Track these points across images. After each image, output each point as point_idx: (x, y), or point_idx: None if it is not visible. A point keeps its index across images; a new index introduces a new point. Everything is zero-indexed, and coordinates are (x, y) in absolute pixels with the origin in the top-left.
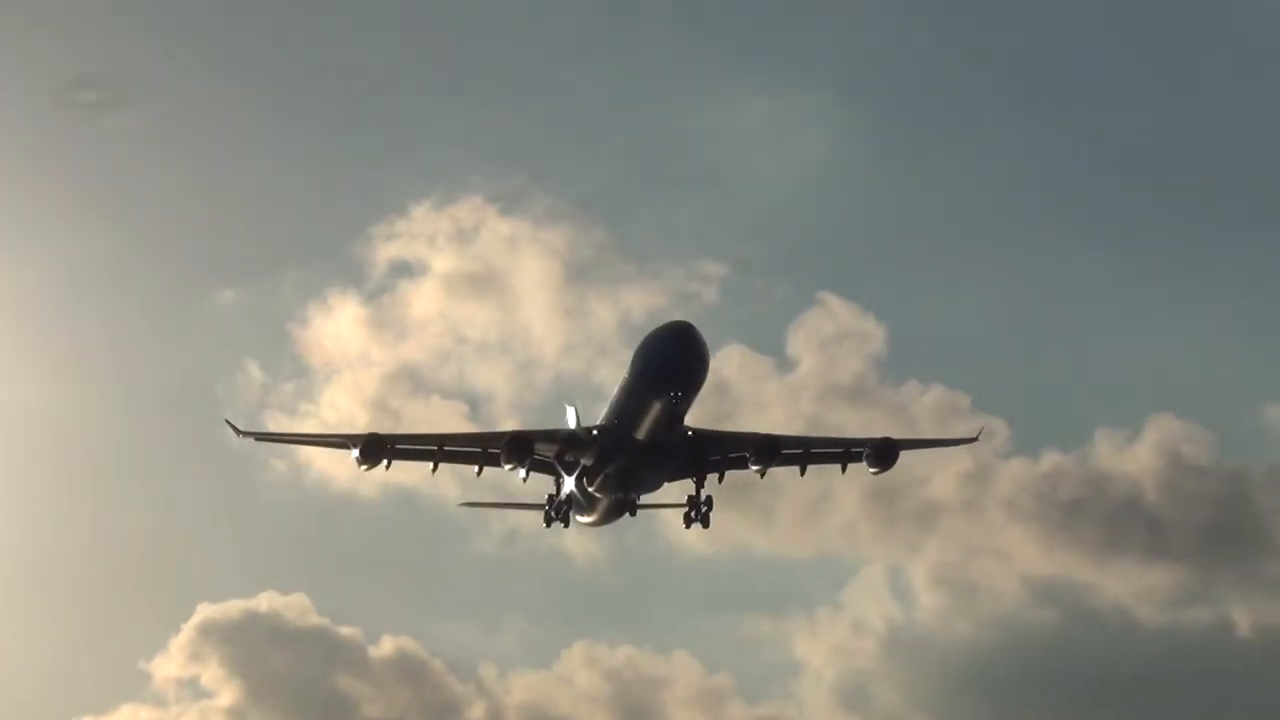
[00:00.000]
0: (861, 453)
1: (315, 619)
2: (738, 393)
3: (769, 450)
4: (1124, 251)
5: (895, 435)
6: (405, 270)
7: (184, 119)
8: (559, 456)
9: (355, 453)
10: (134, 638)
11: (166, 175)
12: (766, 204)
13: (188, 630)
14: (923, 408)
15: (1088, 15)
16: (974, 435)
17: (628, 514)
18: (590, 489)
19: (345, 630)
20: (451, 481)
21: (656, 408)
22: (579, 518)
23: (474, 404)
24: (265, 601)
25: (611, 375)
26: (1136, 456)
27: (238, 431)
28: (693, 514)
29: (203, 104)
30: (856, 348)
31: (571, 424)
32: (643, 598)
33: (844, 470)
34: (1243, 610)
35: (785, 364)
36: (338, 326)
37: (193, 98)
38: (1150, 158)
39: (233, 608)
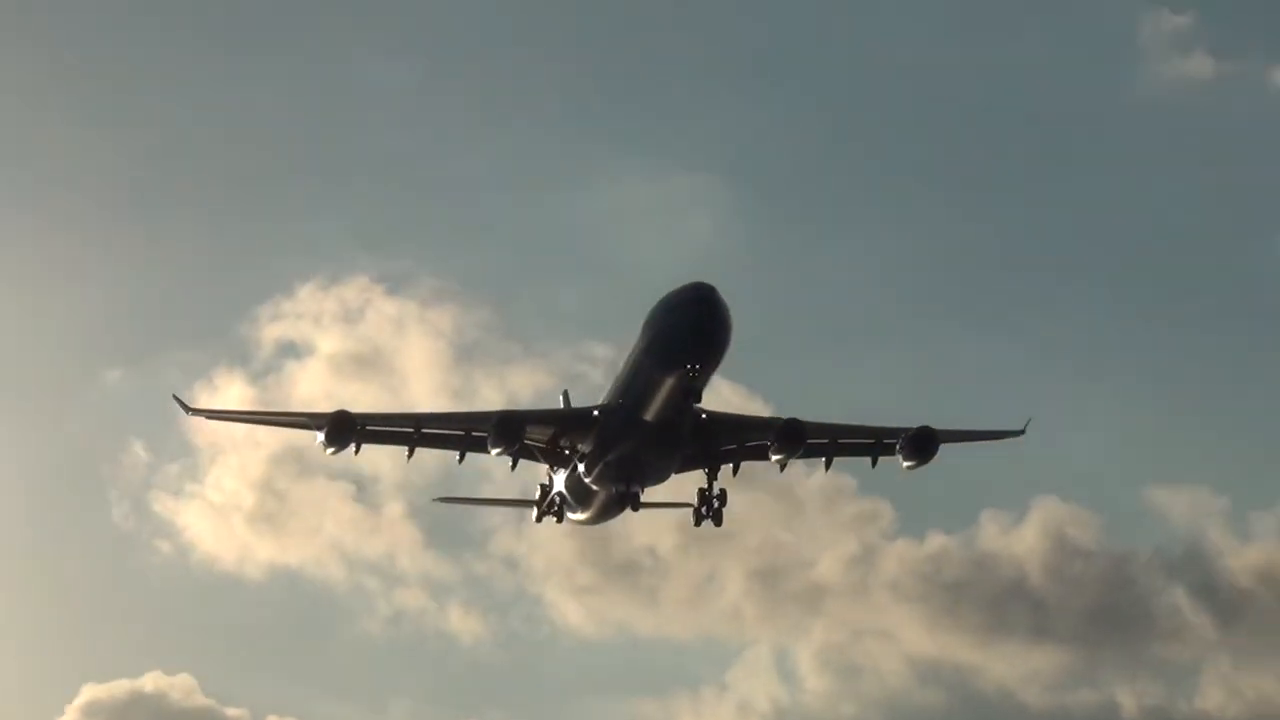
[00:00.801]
0: (894, 444)
1: (201, 699)
2: None
3: (793, 437)
4: (1009, 334)
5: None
6: (291, 350)
7: (70, 197)
8: (554, 441)
9: (320, 436)
10: (18, 718)
11: (53, 254)
12: (653, 285)
13: (72, 711)
14: (809, 490)
15: (973, 101)
16: (1021, 428)
17: (628, 509)
18: (588, 479)
19: (231, 711)
20: (339, 562)
21: (670, 383)
22: (572, 515)
23: (360, 485)
24: (151, 682)
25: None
26: (1022, 539)
27: (186, 409)
28: (704, 510)
29: (89, 183)
30: None
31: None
32: (529, 679)
33: (874, 464)
34: (1128, 693)
35: None
36: (224, 407)
37: (79, 177)
38: (1035, 240)
39: (118, 688)
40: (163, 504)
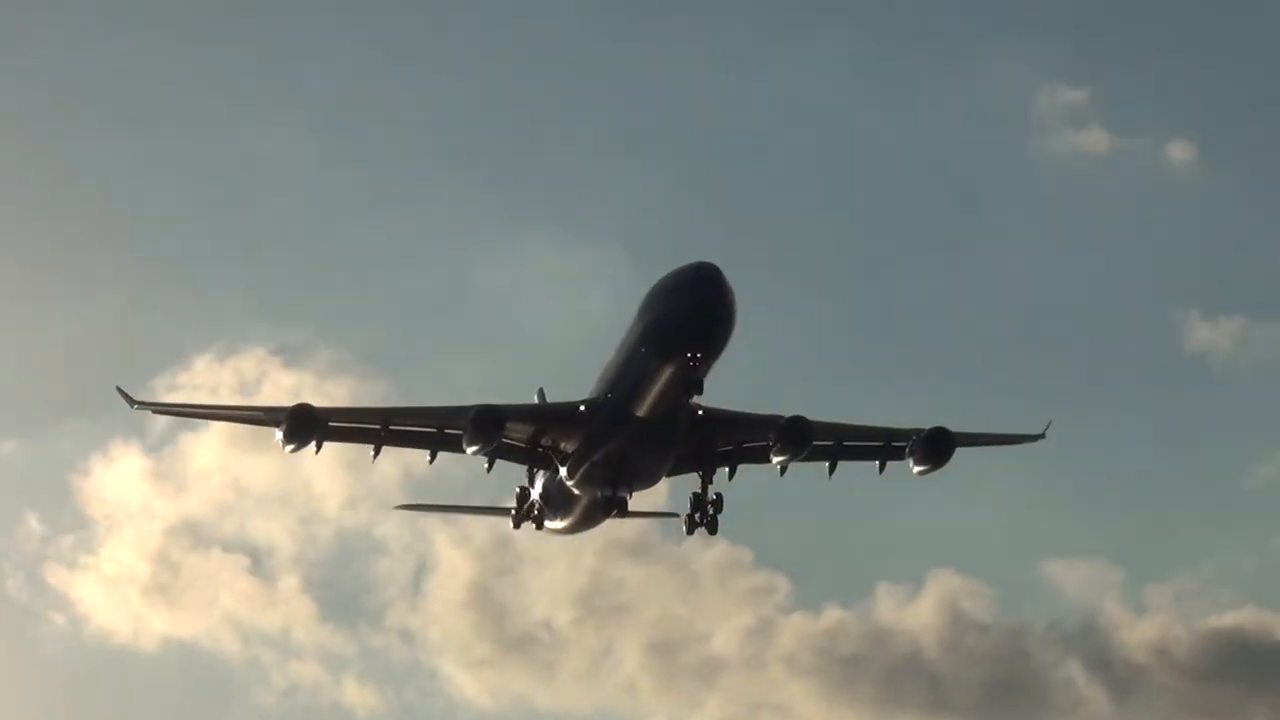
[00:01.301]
0: (904, 447)
1: None
2: (519, 548)
3: (798, 437)
4: (912, 409)
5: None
6: (187, 423)
7: None
8: (535, 439)
9: (279, 433)
10: None
11: None
12: (552, 356)
13: None
14: (705, 564)
15: (868, 172)
16: (1040, 432)
17: (611, 515)
18: (571, 482)
19: None
20: (234, 635)
21: (668, 374)
22: (550, 522)
23: (255, 557)
24: None
25: (396, 531)
26: (917, 612)
27: (131, 402)
28: (697, 517)
29: None
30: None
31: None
32: None
33: (882, 470)
34: None
35: None
36: (119, 479)
37: None
38: (924, 308)
39: None
40: (57, 576)
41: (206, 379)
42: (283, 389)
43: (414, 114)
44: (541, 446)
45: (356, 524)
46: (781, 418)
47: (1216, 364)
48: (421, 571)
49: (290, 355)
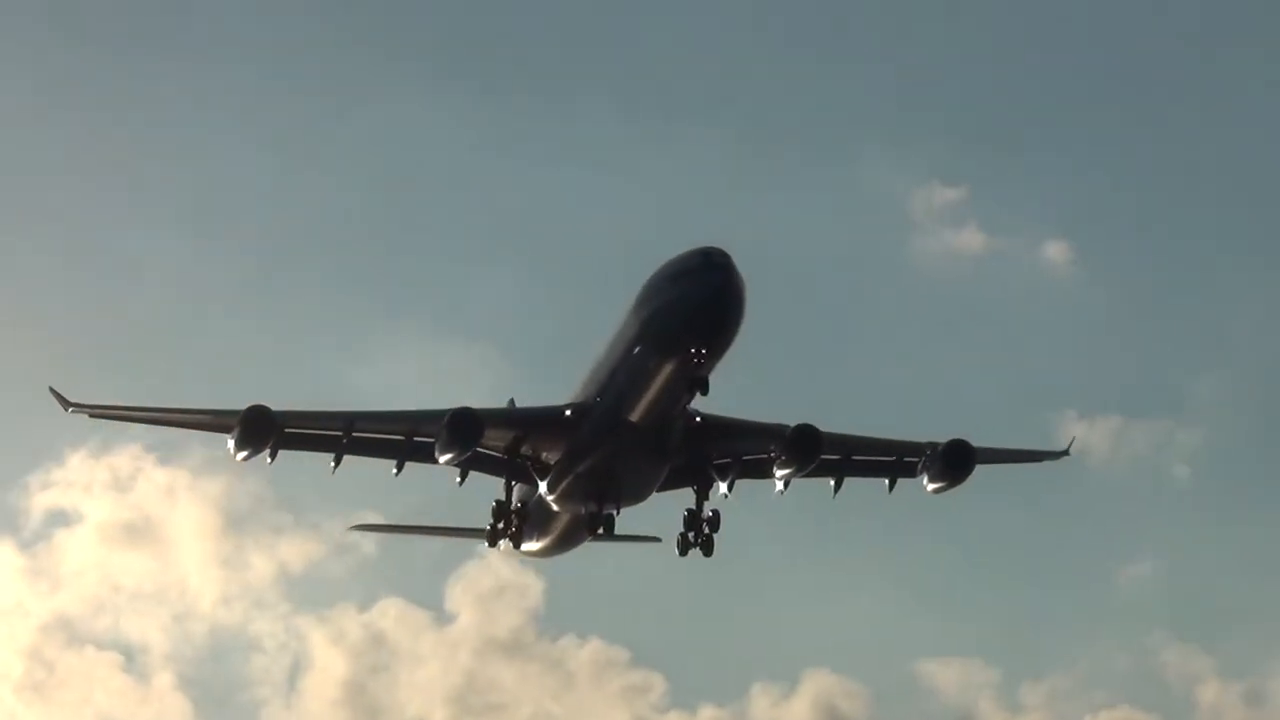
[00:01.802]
0: (917, 463)
1: None
2: (394, 645)
3: (806, 448)
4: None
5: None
6: (61, 519)
7: None
8: (514, 448)
9: (231, 440)
10: None
11: None
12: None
13: None
14: (580, 662)
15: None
16: (1064, 449)
17: (594, 537)
18: (552, 497)
19: None
20: None
21: (667, 372)
22: (525, 544)
23: (129, 655)
24: None
25: (270, 628)
26: (792, 712)
27: (66, 404)
28: (691, 536)
29: None
30: (515, 601)
31: None
32: None
33: (892, 487)
34: None
35: (443, 617)
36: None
37: None
38: (795, 407)
39: None
40: None
41: (81, 475)
42: (157, 485)
43: (288, 206)
44: (521, 456)
45: (230, 621)
46: (787, 427)
47: (1093, 463)
48: (296, 669)
49: (164, 453)
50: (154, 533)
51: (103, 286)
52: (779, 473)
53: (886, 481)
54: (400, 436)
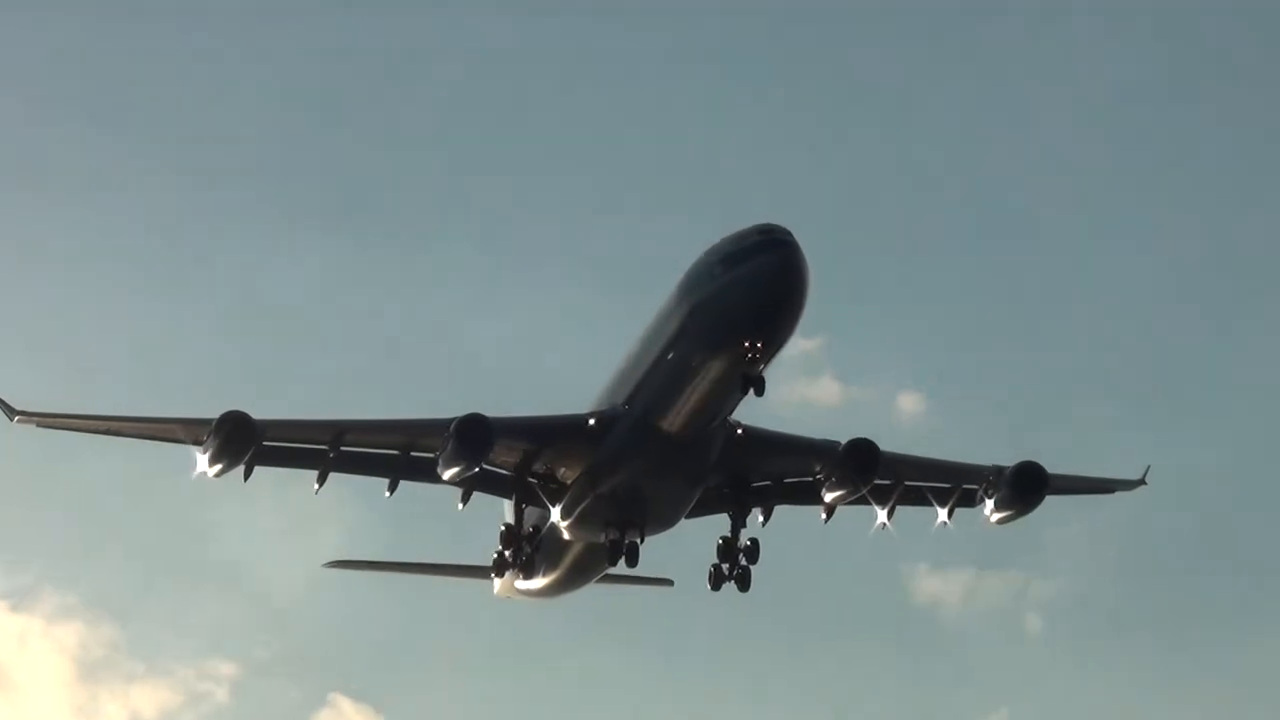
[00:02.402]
0: (977, 490)
1: None
2: None
3: (861, 467)
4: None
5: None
6: None
7: None
8: (526, 464)
9: (201, 454)
10: None
11: None
12: (282, 601)
13: None
14: None
15: None
16: (1140, 477)
17: (604, 572)
18: (566, 522)
19: None
20: None
21: (716, 370)
22: (522, 582)
23: None
24: None
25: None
26: None
27: (11, 413)
28: (726, 568)
29: None
30: None
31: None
32: None
33: (950, 515)
34: None
35: None
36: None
37: None
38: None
39: None
40: None
41: None
42: (7, 634)
43: (150, 365)
44: (533, 474)
45: None
46: (837, 443)
47: (943, 617)
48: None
49: (16, 600)
50: (4, 681)
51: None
52: (828, 496)
53: (943, 511)
54: (395, 451)
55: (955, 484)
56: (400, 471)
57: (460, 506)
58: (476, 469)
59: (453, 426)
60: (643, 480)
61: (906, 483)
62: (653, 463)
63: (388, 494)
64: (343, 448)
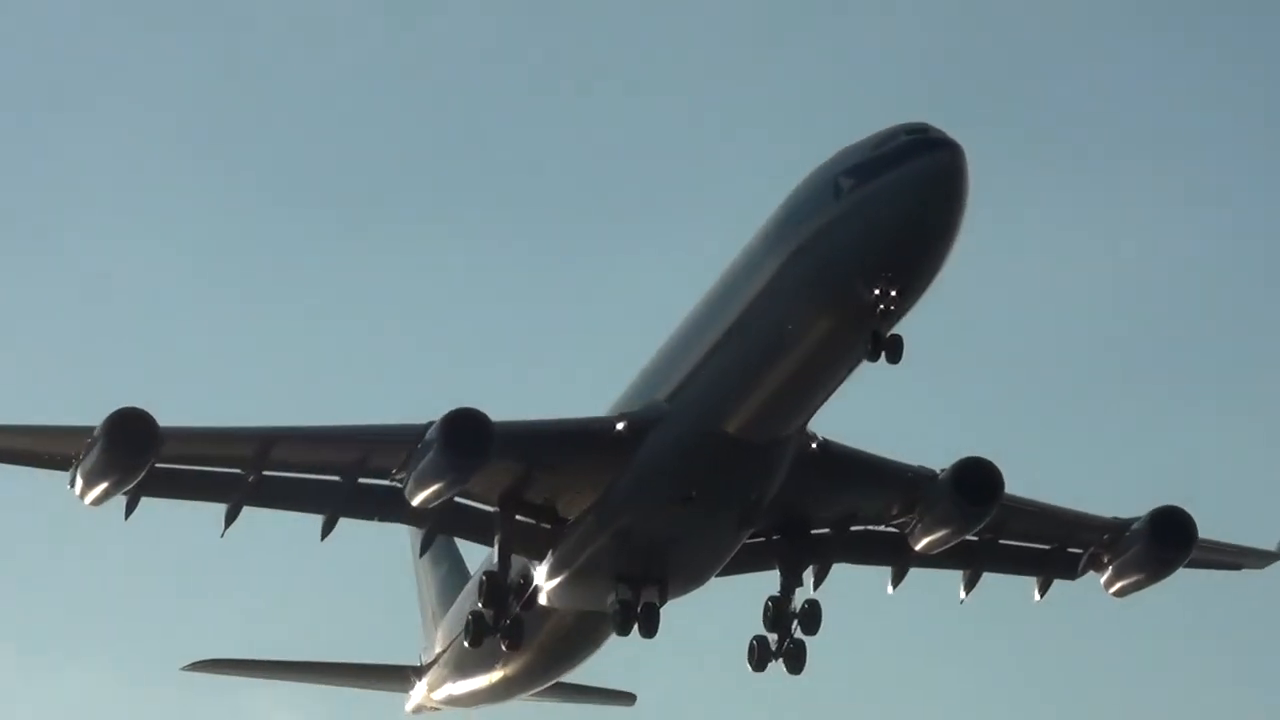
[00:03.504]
0: (1079, 556)
1: None
2: None
3: (979, 492)
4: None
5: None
6: None
7: None
8: (517, 492)
9: (76, 473)
10: None
11: None
12: None
13: None
14: None
15: None
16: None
17: (582, 658)
18: (558, 579)
19: None
20: None
21: (826, 331)
22: (468, 681)
23: None
24: None
25: None
26: None
27: None
28: (773, 640)
29: None
30: None
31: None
32: None
33: (1046, 590)
34: None
35: None
36: None
37: None
38: None
39: None
40: None
41: None
42: None
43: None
44: (524, 506)
45: None
46: (935, 472)
47: None
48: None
49: None
50: None
51: None
52: (918, 544)
53: (1036, 581)
54: (336, 476)
55: (1060, 545)
56: (342, 503)
57: (420, 550)
58: (461, 486)
59: (438, 424)
60: (681, 511)
61: (1001, 541)
62: (701, 482)
63: (322, 537)
64: (266, 471)
